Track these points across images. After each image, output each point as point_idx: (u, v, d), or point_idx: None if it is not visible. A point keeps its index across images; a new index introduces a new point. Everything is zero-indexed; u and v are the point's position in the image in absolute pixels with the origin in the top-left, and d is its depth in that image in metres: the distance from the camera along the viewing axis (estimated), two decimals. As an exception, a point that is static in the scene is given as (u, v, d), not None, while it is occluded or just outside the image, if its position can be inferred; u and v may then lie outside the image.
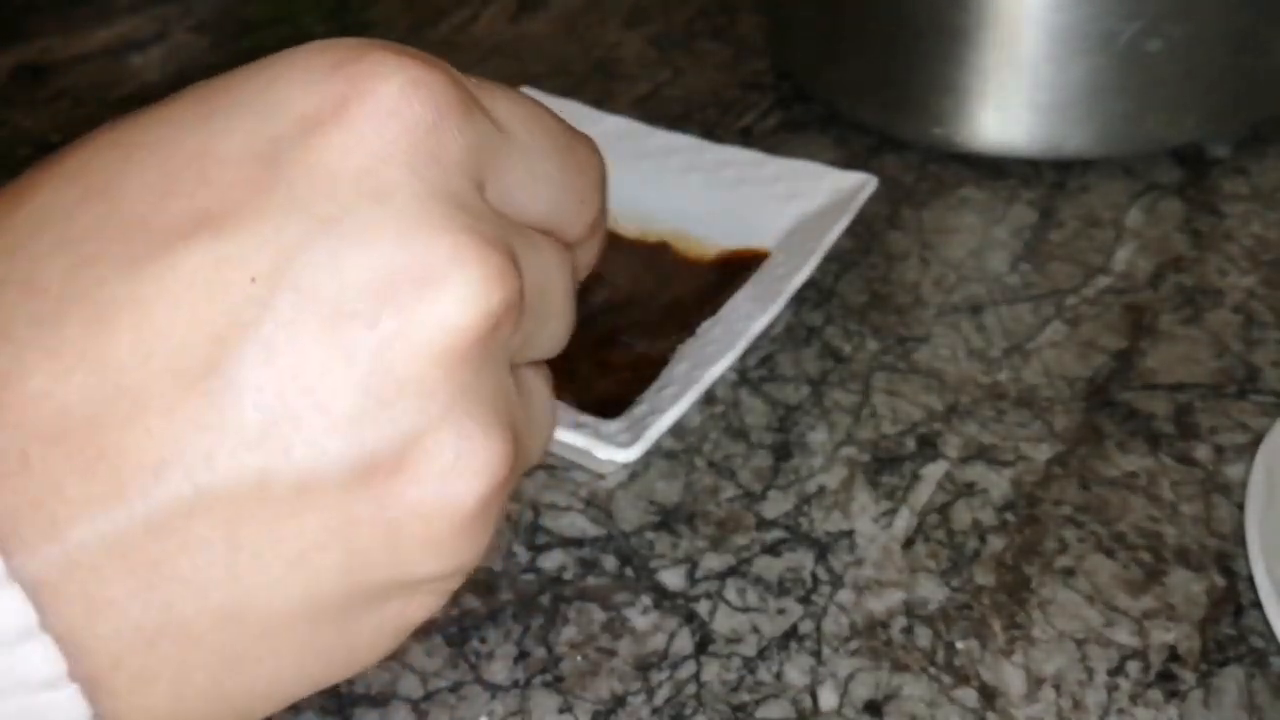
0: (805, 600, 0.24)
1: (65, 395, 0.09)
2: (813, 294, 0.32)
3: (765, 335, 0.30)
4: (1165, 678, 0.22)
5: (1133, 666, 0.22)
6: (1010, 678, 0.22)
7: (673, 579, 0.25)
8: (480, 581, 0.25)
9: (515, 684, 0.23)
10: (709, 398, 0.29)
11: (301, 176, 0.10)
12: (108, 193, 0.10)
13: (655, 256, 0.33)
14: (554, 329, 0.13)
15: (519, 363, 0.13)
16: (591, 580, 0.25)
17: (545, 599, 0.24)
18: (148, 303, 0.10)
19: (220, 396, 0.10)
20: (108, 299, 0.10)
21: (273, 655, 0.10)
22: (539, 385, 0.13)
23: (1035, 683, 0.22)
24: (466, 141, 0.11)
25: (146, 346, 0.10)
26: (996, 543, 0.25)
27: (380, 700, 0.22)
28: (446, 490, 0.11)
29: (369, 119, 0.10)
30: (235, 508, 0.10)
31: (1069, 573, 0.24)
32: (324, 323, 0.10)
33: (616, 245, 0.33)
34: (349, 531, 0.10)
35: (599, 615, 0.24)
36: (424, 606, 0.12)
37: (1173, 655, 0.22)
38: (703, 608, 0.24)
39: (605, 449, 0.24)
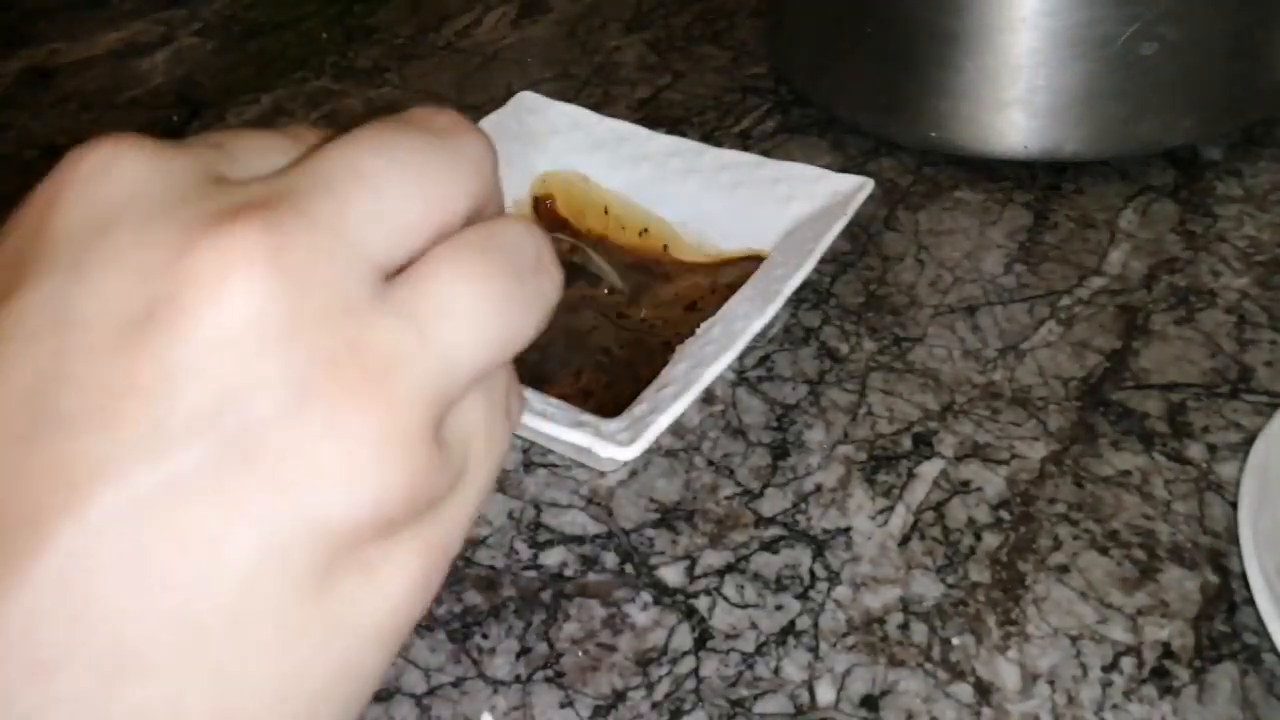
0: (803, 597, 0.24)
1: None
2: (810, 295, 0.32)
3: (763, 335, 0.31)
4: (1159, 674, 0.22)
5: (1127, 663, 0.22)
6: (1005, 673, 0.22)
7: (672, 575, 0.25)
8: (482, 578, 0.25)
9: (517, 679, 0.23)
10: (708, 397, 0.29)
11: (38, 251, 0.11)
12: None
13: (653, 259, 0.33)
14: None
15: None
16: (592, 577, 0.25)
17: (546, 595, 0.25)
18: None
19: (55, 440, 0.10)
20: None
21: (248, 664, 0.10)
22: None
23: (1030, 678, 0.22)
24: (179, 161, 0.11)
25: None
26: (992, 540, 0.25)
27: (384, 695, 0.23)
28: (301, 426, 0.10)
29: (80, 181, 0.11)
30: (122, 531, 0.10)
31: (1063, 570, 0.24)
32: (113, 338, 0.10)
33: (616, 248, 0.33)
34: (243, 506, 0.10)
35: (599, 611, 0.24)
36: (393, 583, 0.11)
37: (1167, 652, 0.23)
38: (702, 604, 0.24)
39: (606, 447, 0.24)
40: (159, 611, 0.10)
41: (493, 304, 0.12)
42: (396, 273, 0.11)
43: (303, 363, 0.10)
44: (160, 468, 0.10)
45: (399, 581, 0.11)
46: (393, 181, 0.11)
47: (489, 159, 0.12)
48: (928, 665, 0.23)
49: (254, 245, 0.10)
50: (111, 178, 0.11)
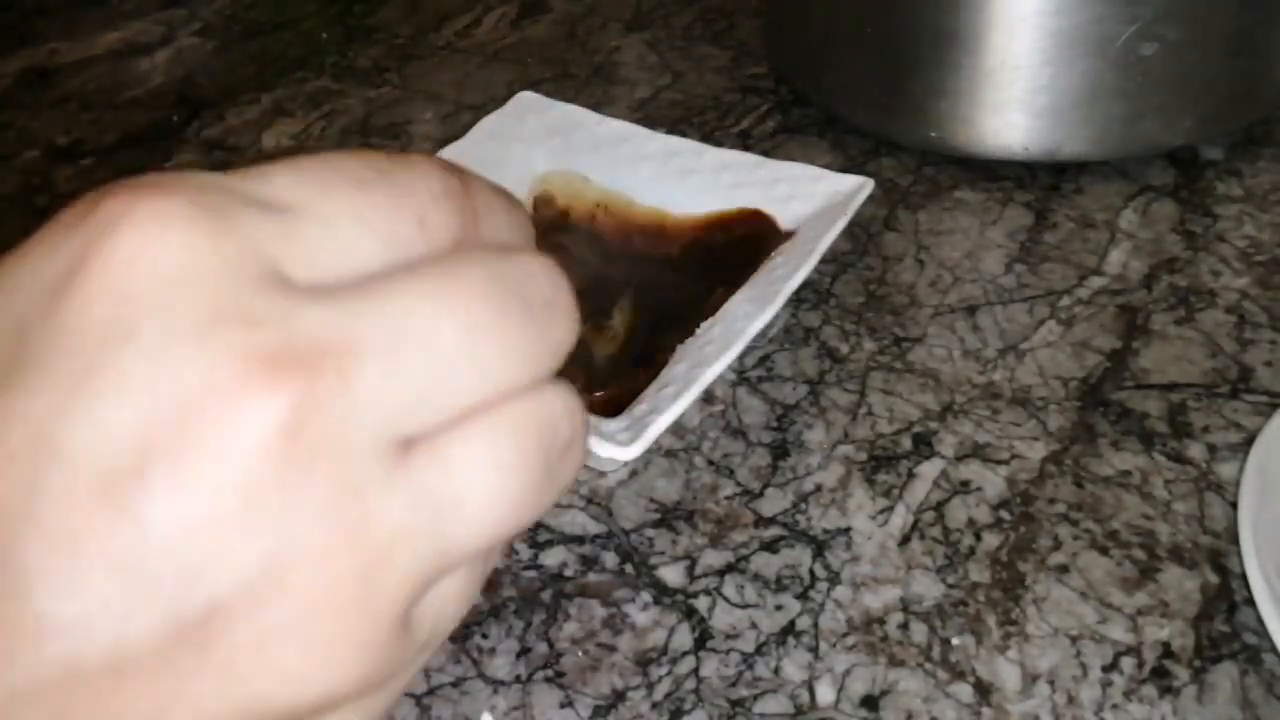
0: (803, 596, 0.24)
1: None
2: (810, 295, 0.32)
3: (763, 335, 0.30)
4: (1159, 674, 0.22)
5: (1127, 663, 0.22)
6: (1005, 673, 0.22)
7: (672, 575, 0.25)
8: (482, 578, 0.25)
9: (517, 679, 0.23)
10: (708, 397, 0.29)
11: (46, 342, 0.10)
12: None
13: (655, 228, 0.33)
14: (466, 372, 0.10)
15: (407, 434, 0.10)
16: (592, 577, 0.25)
17: (546, 595, 0.25)
18: None
19: (7, 592, 0.09)
20: None
21: None
22: (474, 445, 0.10)
23: (1030, 678, 0.22)
24: (231, 249, 0.10)
25: None
26: (991, 540, 0.25)
27: (383, 695, 0.23)
28: (266, 622, 0.09)
29: (104, 270, 0.10)
30: (55, 698, 0.09)
31: (1063, 570, 0.24)
32: (94, 486, 0.09)
33: (621, 221, 0.33)
34: (185, 690, 0.09)
35: (599, 611, 0.24)
36: None
37: (1166, 652, 0.23)
38: (702, 604, 0.24)
39: (606, 447, 0.24)
40: None
41: (516, 494, 0.10)
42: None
43: (286, 549, 0.09)
44: (110, 646, 0.09)
45: None
46: (465, 363, 0.10)
47: (570, 344, 0.11)
48: (928, 665, 0.23)
49: (276, 419, 0.09)
50: (146, 267, 0.10)
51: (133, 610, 0.09)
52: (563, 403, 0.11)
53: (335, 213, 0.10)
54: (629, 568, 0.25)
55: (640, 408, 0.25)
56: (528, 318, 0.11)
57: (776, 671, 0.23)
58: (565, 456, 0.11)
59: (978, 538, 0.25)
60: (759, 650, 0.23)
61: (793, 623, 0.24)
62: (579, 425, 0.11)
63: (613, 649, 0.23)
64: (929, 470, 0.27)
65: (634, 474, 0.27)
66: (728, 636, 0.23)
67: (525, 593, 0.25)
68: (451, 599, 0.11)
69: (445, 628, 0.11)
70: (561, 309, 0.11)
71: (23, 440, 0.09)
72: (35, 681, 0.09)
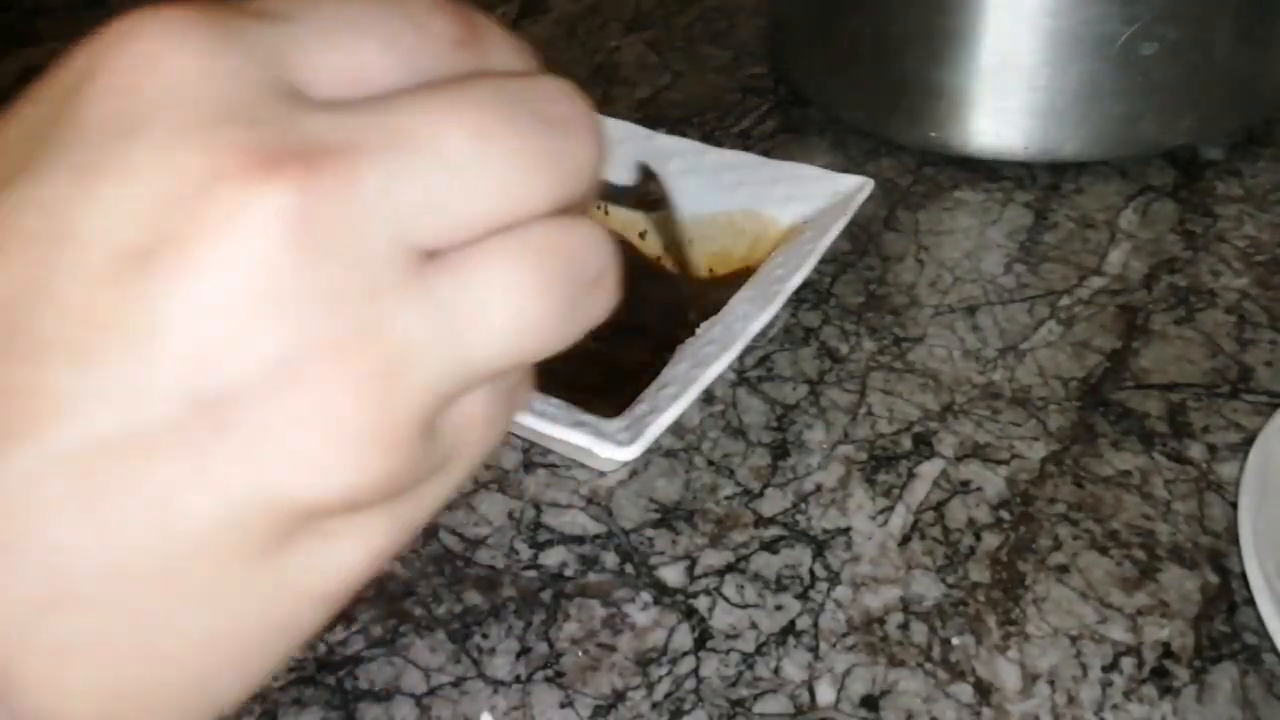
0: (803, 597, 0.24)
1: None
2: (810, 295, 0.32)
3: (763, 335, 0.30)
4: (1159, 674, 0.22)
5: (1127, 663, 0.22)
6: (1005, 673, 0.22)
7: (672, 576, 0.25)
8: (482, 578, 0.25)
9: (517, 679, 0.23)
10: (708, 397, 0.29)
11: (58, 137, 0.10)
12: None
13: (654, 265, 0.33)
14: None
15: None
16: (592, 577, 0.25)
17: (546, 595, 0.25)
18: None
19: (26, 362, 0.09)
20: None
21: (184, 614, 0.10)
22: (495, 264, 0.10)
23: (1030, 678, 0.22)
24: (237, 56, 0.10)
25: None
26: (991, 540, 0.25)
27: (384, 695, 0.23)
28: (285, 411, 0.10)
29: (115, 70, 0.10)
30: (74, 468, 0.10)
31: (1063, 570, 0.24)
32: (107, 266, 0.09)
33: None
34: (204, 468, 0.10)
35: (599, 611, 0.24)
36: (350, 554, 0.11)
37: (1166, 652, 0.23)
38: (702, 604, 0.24)
39: (606, 447, 0.24)
40: (99, 551, 0.10)
41: (537, 318, 0.10)
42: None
43: (302, 342, 0.10)
44: (127, 418, 0.09)
45: (356, 553, 0.11)
46: (476, 171, 0.10)
47: (595, 168, 0.11)
48: (928, 665, 0.23)
49: (282, 206, 0.09)
50: (157, 69, 0.10)
51: (147, 385, 0.09)
52: (590, 235, 0.11)
53: (332, 19, 0.11)
54: (629, 568, 0.25)
55: (640, 408, 0.25)
56: (542, 129, 0.10)
57: (776, 671, 0.23)
58: (593, 290, 0.11)
59: (978, 538, 0.25)
60: (759, 650, 0.23)
61: (793, 623, 0.24)
62: (607, 261, 0.11)
63: (613, 649, 0.23)
64: (929, 470, 0.27)
65: (634, 474, 0.27)
66: (728, 636, 0.23)
67: (525, 593, 0.25)
68: (475, 419, 0.11)
69: (469, 451, 0.11)
70: (581, 126, 0.11)
71: (38, 222, 0.10)
72: (54, 453, 0.10)
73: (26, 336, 0.10)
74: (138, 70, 0.10)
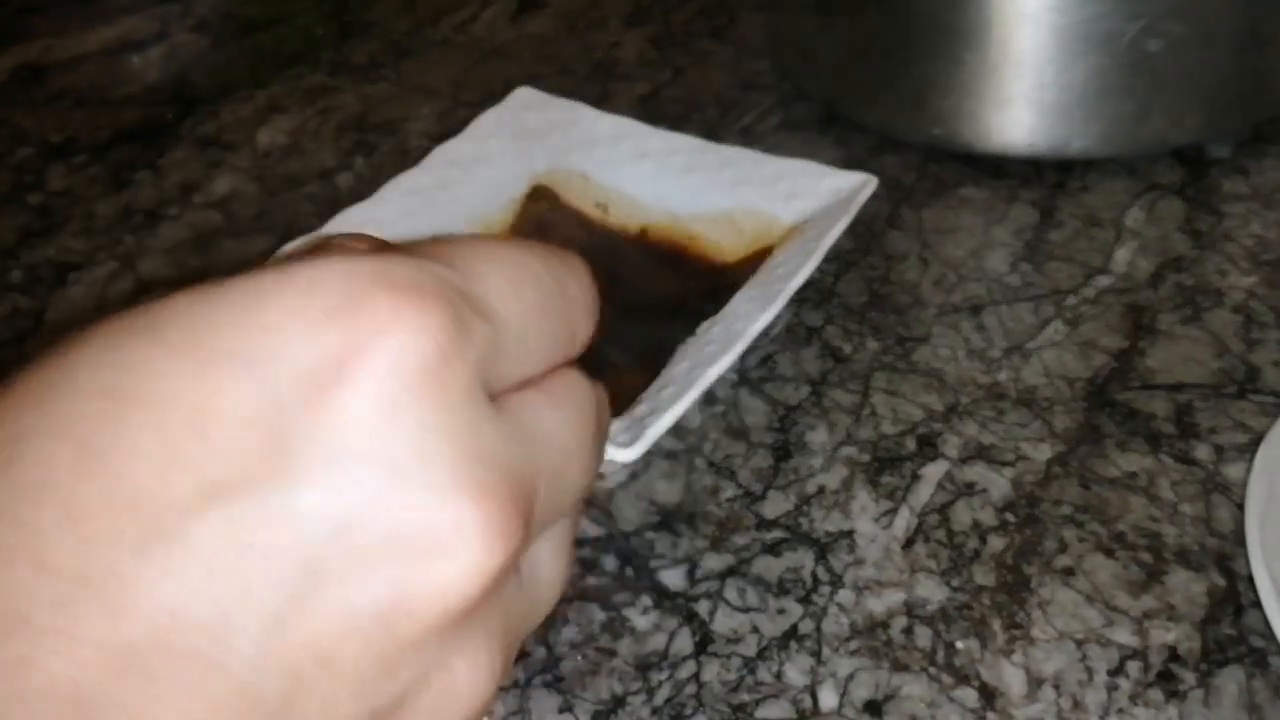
0: (805, 600, 0.24)
1: (84, 679, 0.10)
2: (813, 294, 0.32)
3: (765, 335, 0.30)
4: (1165, 678, 0.22)
5: (1133, 666, 0.22)
6: (1010, 678, 0.22)
7: (673, 579, 0.25)
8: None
9: (515, 684, 0.23)
10: (709, 398, 0.29)
11: (307, 443, 0.10)
12: (106, 458, 0.10)
13: (658, 255, 0.33)
14: (573, 481, 0.13)
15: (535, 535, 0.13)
16: (592, 580, 0.25)
17: (545, 599, 0.24)
18: (162, 582, 0.10)
19: (238, 672, 0.10)
20: (122, 579, 0.10)
21: None
22: (548, 557, 0.14)
23: (1035, 683, 0.22)
24: (471, 368, 0.11)
25: (162, 630, 0.10)
26: (996, 543, 0.25)
27: (380, 700, 0.23)
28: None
29: (370, 377, 0.10)
30: None
31: (1069, 573, 0.24)
32: (333, 591, 0.10)
33: (618, 244, 0.33)
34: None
35: (599, 615, 0.24)
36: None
37: (1173, 655, 0.22)
38: (703, 608, 0.24)
39: (605, 449, 0.24)
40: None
41: (585, 448, 0.13)
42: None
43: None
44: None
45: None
46: (578, 474, 0.13)
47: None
48: (932, 670, 0.22)
49: (500, 551, 0.11)
50: (400, 380, 0.11)
51: (342, 705, 0.11)
52: (586, 384, 0.14)
53: (530, 329, 0.12)
54: (629, 571, 0.25)
55: (640, 408, 0.25)
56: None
57: (778, 676, 0.22)
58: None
59: (982, 540, 0.25)
60: (761, 655, 0.23)
61: (795, 627, 0.23)
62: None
63: (612, 653, 0.23)
64: (933, 472, 0.27)
65: (634, 476, 0.27)
66: (729, 641, 0.23)
67: (524, 596, 0.24)
68: (546, 562, 0.14)
69: (544, 596, 0.14)
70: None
71: (279, 539, 0.10)
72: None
73: (242, 649, 0.10)
74: (389, 384, 0.11)
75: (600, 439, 0.14)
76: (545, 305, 0.13)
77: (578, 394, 0.13)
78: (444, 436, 0.11)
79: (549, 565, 0.14)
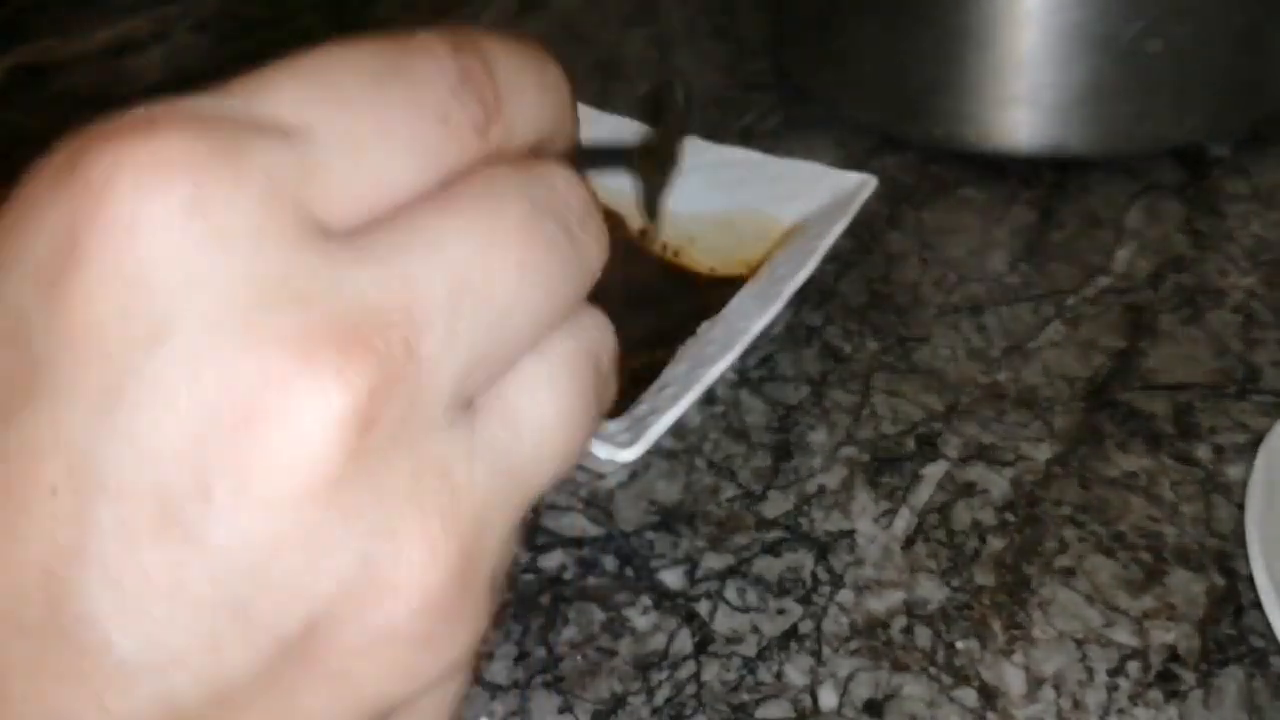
0: (805, 600, 0.24)
1: None
2: (813, 294, 0.32)
3: (765, 335, 0.30)
4: (1165, 678, 0.22)
5: (1133, 666, 0.22)
6: (1010, 678, 0.22)
7: (673, 579, 0.25)
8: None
9: (515, 684, 0.23)
10: (709, 398, 0.29)
11: (58, 348, 0.08)
12: None
13: (656, 261, 0.33)
14: (515, 293, 0.09)
15: (487, 377, 0.10)
16: (591, 580, 0.25)
17: (545, 599, 0.24)
18: None
19: (79, 639, 0.08)
20: None
21: None
22: (533, 397, 0.10)
23: (1035, 683, 0.22)
24: (252, 199, 0.08)
25: None
26: (996, 543, 0.25)
27: (380, 700, 0.23)
28: (378, 623, 0.09)
29: (104, 247, 0.08)
30: None
31: (1069, 573, 0.24)
32: (153, 516, 0.08)
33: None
34: (297, 705, 0.09)
35: (599, 615, 0.24)
36: (432, 709, 0.10)
37: (1173, 655, 0.22)
38: (703, 608, 0.24)
39: (605, 448, 0.24)
40: None
41: (578, 430, 0.10)
42: None
43: (385, 550, 0.09)
44: (209, 680, 0.09)
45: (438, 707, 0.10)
46: (518, 313, 0.09)
47: (603, 261, 0.10)
48: (932, 670, 0.22)
49: (344, 408, 0.08)
50: (153, 235, 0.08)
51: (225, 639, 0.08)
52: (601, 327, 0.11)
53: (355, 128, 0.09)
54: (629, 571, 0.25)
55: (640, 408, 0.25)
56: (569, 245, 0.10)
57: (778, 676, 0.22)
58: (608, 383, 0.11)
59: (982, 540, 0.25)
60: (761, 655, 0.23)
61: (795, 627, 0.23)
62: (613, 345, 0.11)
63: (612, 653, 0.23)
64: (933, 472, 0.27)
65: (634, 476, 0.27)
66: (729, 641, 0.23)
67: (523, 596, 0.24)
68: (530, 403, 0.10)
69: (535, 445, 0.11)
70: (594, 227, 0.10)
71: (61, 471, 0.08)
72: None
73: (77, 614, 0.08)
74: (131, 241, 0.08)
75: (575, 236, 0.10)
76: (375, 93, 0.09)
77: (502, 185, 0.09)
78: (225, 286, 0.08)
79: (536, 406, 0.10)
